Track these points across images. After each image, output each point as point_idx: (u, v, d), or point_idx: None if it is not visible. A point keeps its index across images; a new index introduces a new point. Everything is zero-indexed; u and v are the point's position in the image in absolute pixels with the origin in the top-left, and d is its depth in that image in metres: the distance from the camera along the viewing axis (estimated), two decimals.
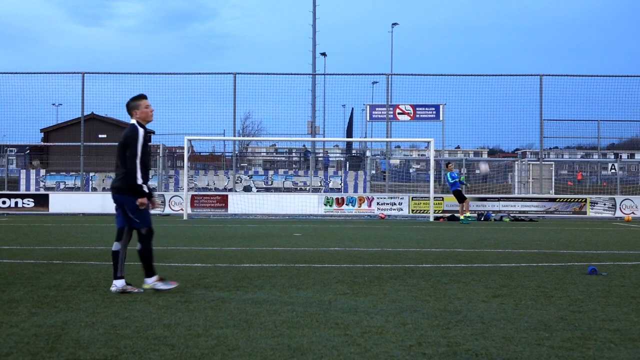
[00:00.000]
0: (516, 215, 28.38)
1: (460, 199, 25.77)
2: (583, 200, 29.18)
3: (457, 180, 25.91)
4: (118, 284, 7.97)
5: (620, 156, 40.08)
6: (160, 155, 33.08)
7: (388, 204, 29.19)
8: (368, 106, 34.52)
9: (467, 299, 7.74)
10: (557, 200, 29.50)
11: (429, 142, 29.14)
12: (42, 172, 34.45)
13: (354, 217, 28.65)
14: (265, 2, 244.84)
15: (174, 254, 12.53)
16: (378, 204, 29.26)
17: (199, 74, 32.79)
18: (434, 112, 34.03)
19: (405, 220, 27.84)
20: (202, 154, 40.31)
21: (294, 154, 44.38)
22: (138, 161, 7.98)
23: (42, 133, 37.74)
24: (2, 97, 32.99)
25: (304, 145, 39.70)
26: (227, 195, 29.89)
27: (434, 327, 6.22)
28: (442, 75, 33.11)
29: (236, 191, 32.32)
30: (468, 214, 25.72)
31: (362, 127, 40.61)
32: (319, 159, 38.51)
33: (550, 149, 38.15)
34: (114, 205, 8.25)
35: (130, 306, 7.10)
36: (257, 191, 34.07)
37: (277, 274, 9.67)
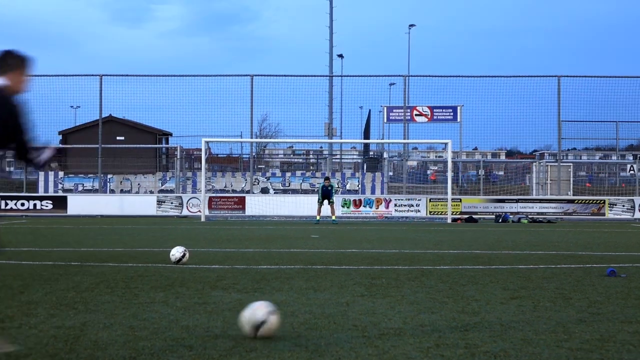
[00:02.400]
0: (534, 216, 28.23)
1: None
2: (602, 201, 28.99)
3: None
4: None
5: (639, 157, 39.76)
6: (178, 157, 33.22)
7: (405, 205, 29.13)
8: (385, 108, 34.49)
9: (485, 300, 7.71)
10: (576, 201, 29.33)
11: (446, 144, 29.09)
12: (61, 174, 34.65)
13: (372, 219, 28.61)
14: (282, 4, 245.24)
15: (192, 255, 12.55)
16: (395, 205, 29.21)
17: (217, 76, 32.86)
18: (452, 114, 33.97)
19: (423, 221, 27.77)
20: (219, 155, 40.50)
21: (311, 156, 44.39)
22: None
23: (61, 135, 37.97)
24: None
25: (320, 147, 39.73)
26: (244, 197, 29.96)
27: (452, 329, 6.20)
28: (459, 76, 33.11)
29: (253, 193, 32.38)
30: (334, 217, 26.14)
31: (380, 129, 40.57)
32: (335, 160, 38.49)
33: (568, 150, 37.95)
34: None
35: (148, 308, 7.12)
36: (275, 193, 34.10)
37: (294, 276, 9.68)
